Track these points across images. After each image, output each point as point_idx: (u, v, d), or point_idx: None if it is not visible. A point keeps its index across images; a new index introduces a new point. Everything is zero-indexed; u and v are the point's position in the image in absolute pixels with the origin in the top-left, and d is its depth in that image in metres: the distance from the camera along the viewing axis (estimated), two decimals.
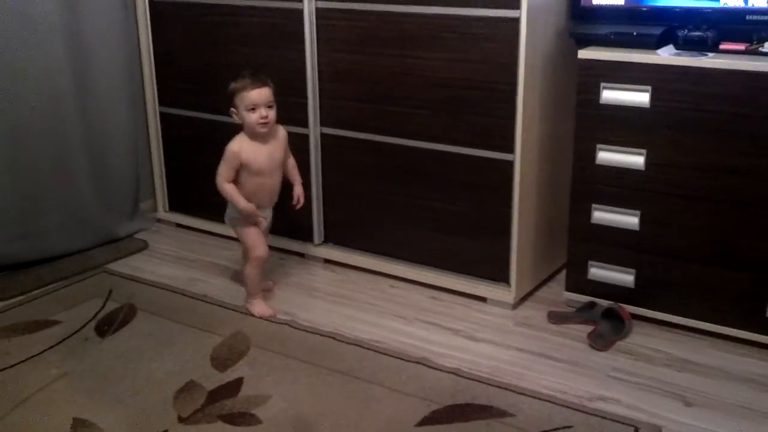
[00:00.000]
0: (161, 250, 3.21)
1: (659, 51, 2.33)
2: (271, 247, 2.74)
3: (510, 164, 2.52)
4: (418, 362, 2.32)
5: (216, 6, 3.01)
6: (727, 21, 2.32)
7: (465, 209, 2.66)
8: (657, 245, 2.41)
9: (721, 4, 2.31)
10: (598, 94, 2.38)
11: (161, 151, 3.40)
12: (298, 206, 2.70)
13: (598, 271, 2.53)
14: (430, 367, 2.30)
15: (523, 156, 2.50)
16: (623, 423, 2.02)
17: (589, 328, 2.46)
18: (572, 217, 2.55)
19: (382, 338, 2.47)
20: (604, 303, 2.51)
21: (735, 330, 2.36)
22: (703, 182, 2.29)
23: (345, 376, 2.26)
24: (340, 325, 2.56)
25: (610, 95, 2.37)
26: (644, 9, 2.43)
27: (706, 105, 2.24)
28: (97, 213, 3.20)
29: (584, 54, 2.40)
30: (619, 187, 2.42)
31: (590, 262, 2.54)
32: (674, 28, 2.38)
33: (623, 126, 2.37)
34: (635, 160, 2.38)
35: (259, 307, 2.64)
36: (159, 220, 3.47)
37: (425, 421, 2.05)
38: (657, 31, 2.38)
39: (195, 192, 3.35)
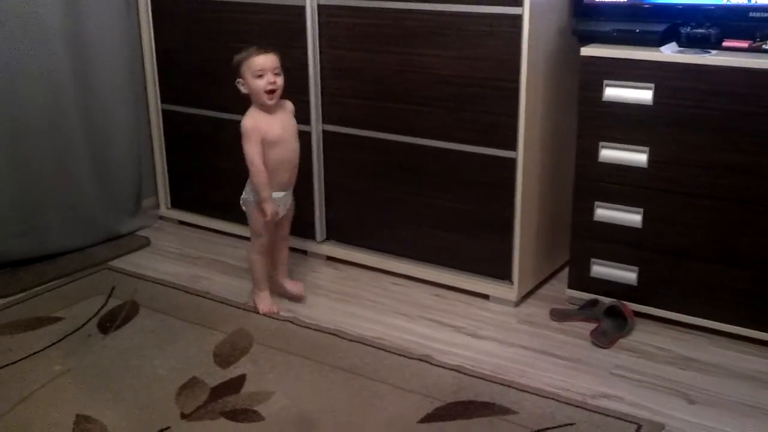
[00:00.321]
0: (164, 248, 3.21)
1: (662, 48, 2.33)
2: None
3: (513, 162, 2.52)
4: (420, 359, 2.32)
5: (218, 3, 3.01)
6: (729, 18, 2.31)
7: (467, 207, 2.66)
8: (659, 243, 2.41)
9: (723, 1, 2.31)
10: (600, 91, 2.38)
11: (163, 148, 3.40)
12: None
13: (600, 269, 2.53)
14: (432, 364, 2.30)
15: (525, 153, 2.50)
16: (626, 420, 2.02)
17: (592, 326, 2.46)
18: (575, 215, 2.55)
19: (385, 335, 2.47)
20: (607, 300, 2.51)
21: (737, 327, 2.36)
22: (706, 180, 2.29)
23: (347, 373, 2.26)
24: (343, 322, 2.56)
25: (613, 92, 2.37)
26: (646, 6, 2.43)
27: (709, 102, 2.23)
28: (99, 210, 3.21)
29: (587, 51, 2.40)
30: (621, 184, 2.42)
31: (593, 260, 2.54)
32: (677, 25, 2.38)
33: (626, 123, 2.37)
34: (638, 157, 2.37)
35: (264, 302, 2.64)
36: (161, 218, 3.48)
37: (428, 418, 2.05)
38: (660, 28, 2.38)
39: (197, 189, 3.36)
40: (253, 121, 2.48)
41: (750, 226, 2.26)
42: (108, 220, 3.24)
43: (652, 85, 2.30)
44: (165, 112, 3.34)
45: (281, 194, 2.56)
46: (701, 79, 2.23)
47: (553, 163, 2.69)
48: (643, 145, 2.36)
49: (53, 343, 2.44)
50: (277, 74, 2.47)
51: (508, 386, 2.18)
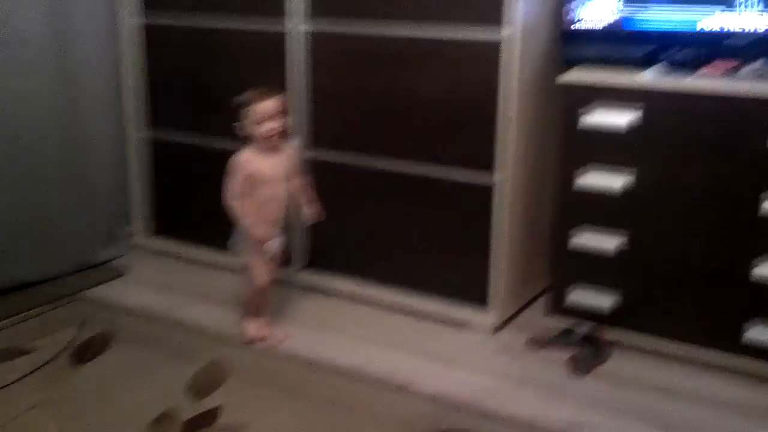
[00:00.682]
0: (140, 277, 3.17)
1: (644, 73, 2.35)
2: None
3: (492, 187, 2.53)
4: (397, 389, 2.30)
5: (204, 30, 3.01)
6: (712, 43, 2.34)
7: (447, 232, 2.66)
8: (638, 268, 2.42)
9: (705, 27, 2.33)
10: (582, 115, 2.40)
11: (144, 175, 3.37)
12: (313, 220, 2.65)
13: (579, 295, 2.53)
14: (410, 393, 2.28)
15: (506, 179, 2.51)
16: None
17: (569, 354, 2.46)
18: (554, 240, 2.55)
19: (362, 365, 2.45)
20: (584, 328, 2.50)
21: (716, 354, 2.36)
22: (687, 205, 2.31)
23: (324, 405, 2.24)
24: (319, 352, 2.54)
25: (595, 117, 2.38)
26: (628, 32, 2.45)
27: (692, 127, 2.25)
28: (73, 238, 3.17)
29: (568, 77, 2.41)
30: (602, 209, 2.43)
31: (571, 286, 2.54)
32: (659, 50, 2.40)
33: (607, 148, 2.38)
34: (618, 183, 2.39)
35: (252, 327, 2.62)
36: (138, 246, 3.44)
37: None
38: (642, 53, 2.41)
39: (178, 217, 3.33)
40: (243, 159, 2.47)
41: (729, 254, 2.28)
42: (83, 249, 3.20)
43: (635, 110, 2.32)
44: (149, 139, 3.32)
45: (273, 239, 2.55)
46: (684, 103, 2.25)
47: (534, 187, 2.70)
48: (624, 171, 2.37)
49: (24, 375, 2.39)
50: (278, 118, 2.46)
51: (486, 416, 2.17)
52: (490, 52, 2.44)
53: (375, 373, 2.40)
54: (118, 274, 3.17)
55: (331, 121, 2.83)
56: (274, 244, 2.56)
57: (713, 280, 2.32)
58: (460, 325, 2.69)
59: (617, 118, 2.35)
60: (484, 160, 2.53)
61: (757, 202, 2.20)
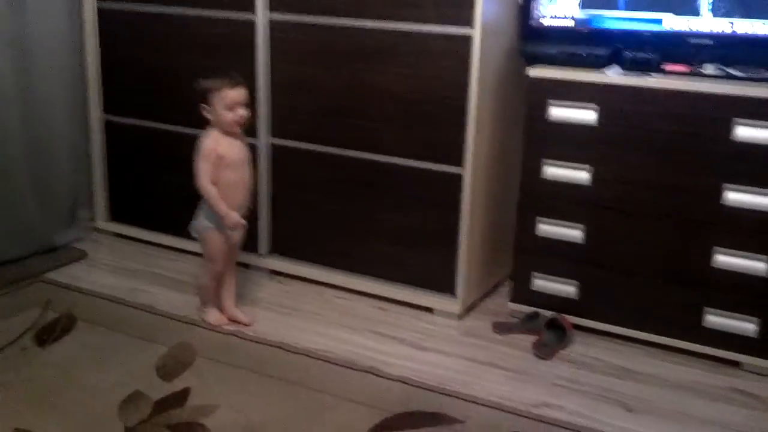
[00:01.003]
0: (100, 260, 3.13)
1: (606, 70, 2.42)
2: None
3: (459, 177, 2.57)
4: (366, 371, 2.34)
5: (166, 15, 2.99)
6: (670, 43, 2.42)
7: (413, 221, 2.70)
8: (599, 258, 2.49)
9: (665, 28, 2.41)
10: (546, 111, 2.46)
11: (104, 159, 3.33)
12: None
13: (542, 283, 2.60)
14: (378, 375, 2.32)
15: (472, 170, 2.56)
16: (568, 429, 2.08)
17: (533, 338, 2.52)
18: (518, 230, 2.61)
19: (330, 348, 2.48)
20: (547, 313, 2.57)
21: (673, 340, 2.45)
22: (646, 198, 2.39)
23: (293, 386, 2.26)
24: (287, 335, 2.55)
25: (558, 112, 2.45)
26: (591, 30, 2.52)
27: (650, 124, 2.34)
28: (33, 221, 3.11)
29: (533, 72, 2.47)
30: (564, 201, 2.50)
31: (534, 274, 2.60)
32: (620, 49, 2.47)
33: (570, 142, 2.45)
34: (581, 175, 2.46)
35: (212, 315, 2.62)
36: (98, 230, 3.39)
37: (376, 429, 2.06)
38: (604, 51, 2.47)
39: (136, 201, 3.30)
40: (213, 142, 2.47)
41: (686, 244, 2.37)
42: (42, 231, 3.14)
43: (596, 106, 2.39)
44: (107, 123, 3.28)
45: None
46: (643, 101, 2.33)
47: (498, 179, 2.76)
48: (586, 164, 2.44)
49: None
50: (246, 106, 2.48)
51: (455, 397, 2.21)
52: (457, 46, 2.48)
53: (343, 355, 2.43)
54: (80, 257, 3.13)
55: (296, 111, 2.83)
56: (233, 235, 2.56)
57: (673, 270, 2.40)
58: (427, 310, 2.73)
59: (579, 113, 2.42)
60: (450, 153, 2.57)
61: (718, 193, 2.29)
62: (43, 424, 2.04)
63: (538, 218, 2.55)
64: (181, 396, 2.19)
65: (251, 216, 2.70)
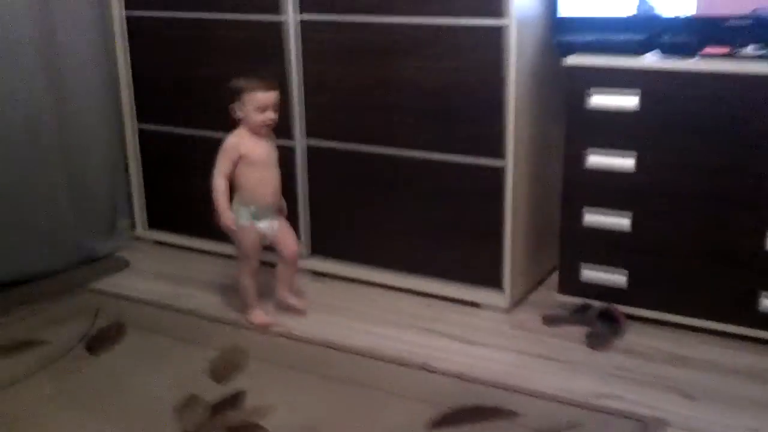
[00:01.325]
0: (143, 268, 3.15)
1: (645, 56, 2.40)
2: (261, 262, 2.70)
3: (501, 170, 2.56)
4: (419, 368, 2.32)
5: (194, 20, 3.00)
6: (708, 27, 2.39)
7: (456, 216, 2.68)
8: (648, 245, 2.46)
9: (701, 13, 2.38)
10: (586, 99, 2.44)
11: (140, 167, 3.35)
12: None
13: (590, 273, 2.57)
14: (431, 371, 2.30)
15: (514, 162, 2.54)
16: (630, 418, 2.05)
17: (584, 330, 2.50)
18: (563, 220, 2.59)
19: (379, 345, 2.47)
20: (598, 304, 2.55)
21: (728, 325, 2.42)
22: (692, 183, 2.36)
23: (347, 384, 2.25)
24: (335, 334, 2.54)
25: (598, 100, 2.42)
26: (625, 18, 2.49)
27: (693, 107, 2.31)
28: (74, 232, 3.13)
29: (571, 60, 2.45)
30: (608, 189, 2.48)
31: (582, 264, 2.58)
32: (656, 35, 2.45)
33: (611, 130, 2.43)
34: (624, 162, 2.43)
35: (258, 316, 2.63)
36: (138, 238, 3.41)
37: (435, 425, 2.05)
38: (640, 37, 2.44)
39: (174, 208, 3.31)
40: (237, 139, 2.51)
41: (736, 226, 2.33)
42: (84, 243, 3.17)
43: (637, 92, 2.36)
44: (141, 131, 3.30)
45: (266, 222, 2.57)
46: (683, 84, 2.30)
47: (540, 170, 2.74)
48: (630, 150, 2.42)
49: (43, 366, 2.37)
50: (276, 110, 2.50)
51: (511, 390, 2.19)
52: (492, 38, 2.46)
53: (394, 353, 2.42)
54: (123, 265, 3.15)
55: (330, 111, 2.82)
56: (269, 228, 2.58)
57: (723, 256, 2.37)
58: (474, 305, 2.71)
59: (620, 100, 2.39)
60: (491, 146, 2.55)
61: (766, 174, 2.26)
62: (102, 429, 2.05)
63: (584, 207, 2.53)
64: (237, 398, 2.19)
65: (290, 217, 2.71)
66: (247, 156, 2.50)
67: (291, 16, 2.77)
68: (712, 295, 2.41)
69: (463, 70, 2.54)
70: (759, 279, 2.34)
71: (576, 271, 2.59)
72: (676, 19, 2.43)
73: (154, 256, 3.28)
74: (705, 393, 2.18)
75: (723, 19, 2.37)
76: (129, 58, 3.22)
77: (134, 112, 3.28)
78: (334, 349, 2.45)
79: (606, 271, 2.55)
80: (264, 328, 2.59)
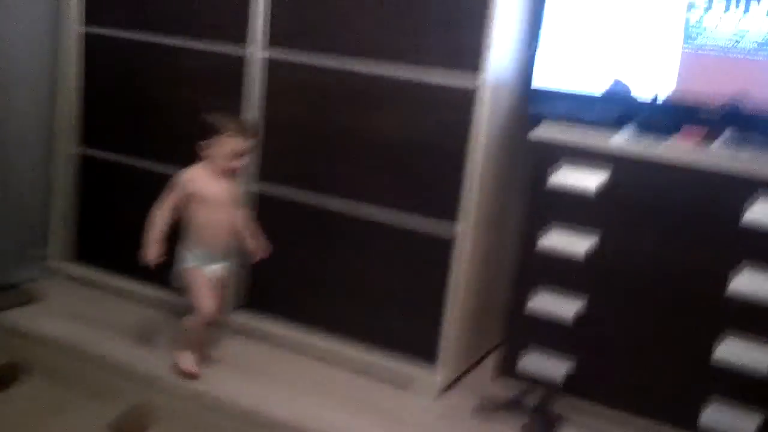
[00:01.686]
0: (56, 304, 2.88)
1: (614, 136, 2.30)
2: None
3: (451, 239, 2.42)
4: None
5: (156, 45, 2.83)
6: (683, 113, 2.30)
7: (400, 282, 2.53)
8: (597, 336, 2.34)
9: (676, 98, 2.31)
10: (549, 175, 2.33)
11: (71, 194, 3.11)
12: (258, 255, 2.50)
13: (532, 359, 2.44)
14: None
15: (467, 229, 2.41)
16: None
17: (518, 423, 2.34)
18: (511, 300, 2.45)
19: (300, 420, 2.26)
20: (535, 399, 2.40)
21: (669, 428, 2.29)
22: (649, 276, 2.26)
23: None
24: (256, 403, 2.32)
25: (562, 178, 2.32)
26: (598, 96, 2.41)
27: (659, 196, 2.21)
28: None
29: (538, 133, 2.35)
30: (563, 272, 2.36)
31: (526, 348, 2.44)
32: (627, 116, 2.36)
33: (572, 210, 2.32)
34: (581, 246, 2.32)
35: (187, 362, 2.40)
36: (56, 271, 3.14)
37: None
38: (611, 116, 2.36)
39: (107, 242, 3.08)
40: (190, 176, 2.35)
41: (689, 327, 2.23)
42: None
43: (603, 174, 2.27)
44: (84, 156, 3.07)
45: (217, 265, 2.41)
46: (654, 172, 2.21)
47: (494, 243, 2.61)
48: (588, 234, 2.31)
49: None
50: (246, 157, 2.37)
51: None
52: (463, 99, 2.36)
53: (313, 429, 2.22)
54: (31, 299, 2.88)
55: (284, 155, 2.67)
56: (216, 271, 2.40)
57: (673, 355, 2.26)
58: (406, 382, 2.53)
59: (585, 180, 2.30)
60: (446, 208, 2.43)
61: (724, 281, 2.17)
62: None
63: (534, 288, 2.40)
64: None
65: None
66: (198, 194, 2.33)
67: (258, 51, 2.64)
68: (655, 394, 2.29)
69: (429, 128, 2.43)
70: (705, 386, 2.23)
71: (517, 356, 2.45)
72: (653, 102, 2.34)
73: (71, 293, 3.01)
74: None
75: (699, 107, 2.29)
76: (82, 77, 3.02)
77: (75, 134, 3.06)
78: (251, 420, 2.24)
79: (548, 359, 2.41)
80: (186, 377, 2.37)
